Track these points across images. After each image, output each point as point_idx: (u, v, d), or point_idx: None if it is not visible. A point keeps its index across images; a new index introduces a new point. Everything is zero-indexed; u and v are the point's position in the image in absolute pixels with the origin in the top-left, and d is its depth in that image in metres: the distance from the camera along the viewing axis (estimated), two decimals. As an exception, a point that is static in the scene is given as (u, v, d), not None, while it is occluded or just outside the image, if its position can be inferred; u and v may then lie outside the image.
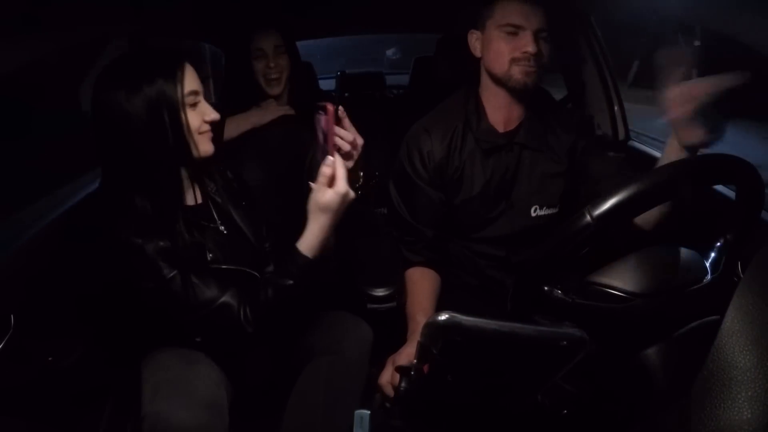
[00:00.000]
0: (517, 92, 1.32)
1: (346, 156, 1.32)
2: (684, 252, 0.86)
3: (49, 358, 1.27)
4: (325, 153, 1.13)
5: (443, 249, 1.43)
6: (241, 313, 1.11)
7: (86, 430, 1.30)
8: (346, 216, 1.35)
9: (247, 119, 1.75)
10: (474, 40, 1.36)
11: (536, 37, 1.25)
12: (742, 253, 0.83)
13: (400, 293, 1.40)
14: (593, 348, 0.78)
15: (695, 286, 0.82)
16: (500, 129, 1.37)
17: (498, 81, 1.32)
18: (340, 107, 1.27)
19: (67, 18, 1.23)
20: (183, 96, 1.10)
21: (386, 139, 2.02)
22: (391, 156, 1.49)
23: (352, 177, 1.42)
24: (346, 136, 1.29)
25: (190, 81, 1.13)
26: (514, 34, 1.26)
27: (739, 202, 0.84)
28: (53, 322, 1.30)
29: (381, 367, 1.25)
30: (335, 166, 1.11)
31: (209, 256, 1.17)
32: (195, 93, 1.14)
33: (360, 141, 1.32)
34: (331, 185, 1.11)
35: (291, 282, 1.13)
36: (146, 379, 1.11)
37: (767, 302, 0.51)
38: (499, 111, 1.36)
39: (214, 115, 1.16)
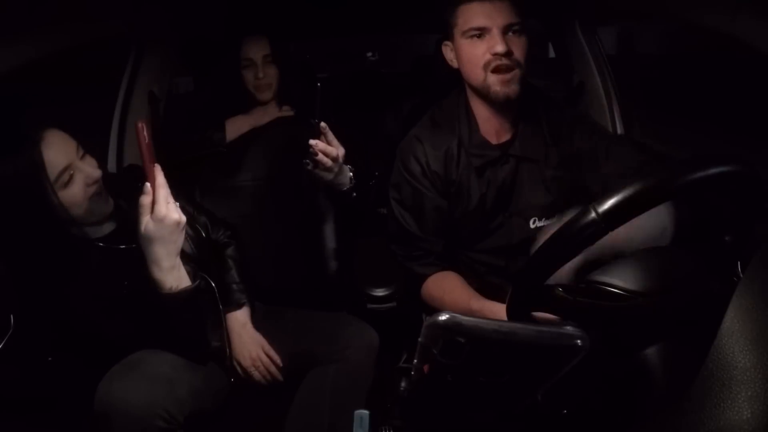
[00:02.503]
0: (500, 104, 1.26)
1: (327, 170, 1.33)
2: (684, 252, 0.86)
3: (49, 358, 1.27)
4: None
5: (451, 259, 1.39)
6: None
7: (86, 430, 1.30)
8: (345, 216, 1.33)
9: (246, 121, 1.75)
10: (449, 52, 1.31)
11: (505, 34, 1.18)
12: (742, 253, 0.83)
13: (400, 293, 1.40)
14: (594, 348, 0.78)
15: (695, 286, 0.82)
16: (493, 140, 1.32)
17: (478, 92, 1.27)
18: (322, 123, 1.28)
19: (66, 18, 1.23)
20: (50, 183, 1.04)
21: (385, 139, 2.02)
22: (391, 156, 1.48)
23: (340, 181, 1.43)
24: (331, 152, 1.30)
25: (56, 161, 1.05)
26: (480, 37, 1.20)
27: (739, 202, 0.84)
28: (52, 323, 1.30)
29: (381, 368, 1.25)
30: (154, 192, 1.01)
31: (125, 282, 1.12)
32: (65, 169, 1.07)
33: (341, 152, 1.33)
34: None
35: (167, 319, 1.10)
36: None
37: (767, 302, 0.51)
38: (489, 121, 1.32)
39: (95, 174, 1.10)
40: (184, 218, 1.05)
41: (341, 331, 1.32)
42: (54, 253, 1.10)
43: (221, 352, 1.30)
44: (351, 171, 1.46)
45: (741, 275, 0.76)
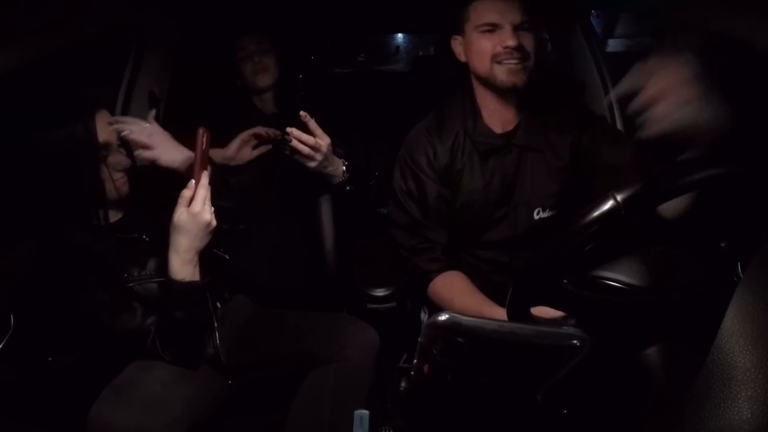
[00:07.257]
0: (506, 93, 1.29)
1: (306, 158, 1.37)
2: (685, 252, 0.86)
3: (49, 358, 1.27)
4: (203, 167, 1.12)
5: (457, 257, 1.39)
6: (155, 344, 1.16)
7: (85, 430, 1.30)
8: (344, 215, 1.33)
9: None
10: (457, 46, 1.34)
11: (516, 30, 1.23)
12: (742, 253, 0.83)
13: (400, 294, 1.40)
14: (594, 347, 0.78)
15: (696, 285, 0.82)
16: (497, 130, 1.34)
17: (485, 83, 1.30)
18: (302, 112, 1.33)
19: (66, 18, 1.23)
20: (98, 150, 1.14)
21: (385, 139, 2.02)
22: (391, 156, 1.48)
23: (331, 173, 1.45)
24: (307, 140, 1.35)
25: (100, 135, 1.14)
26: (492, 32, 1.25)
27: (740, 202, 0.84)
28: (52, 323, 1.30)
29: (381, 368, 1.25)
30: (196, 189, 1.11)
31: (126, 275, 1.18)
32: (105, 145, 1.16)
33: (324, 142, 1.37)
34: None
35: (175, 308, 1.14)
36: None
37: (767, 302, 0.51)
38: (494, 113, 1.34)
39: (125, 162, 1.19)
40: (214, 222, 1.12)
41: (341, 331, 1.32)
42: (69, 234, 1.16)
43: (215, 357, 1.30)
44: (344, 164, 1.48)
45: (741, 275, 0.76)
